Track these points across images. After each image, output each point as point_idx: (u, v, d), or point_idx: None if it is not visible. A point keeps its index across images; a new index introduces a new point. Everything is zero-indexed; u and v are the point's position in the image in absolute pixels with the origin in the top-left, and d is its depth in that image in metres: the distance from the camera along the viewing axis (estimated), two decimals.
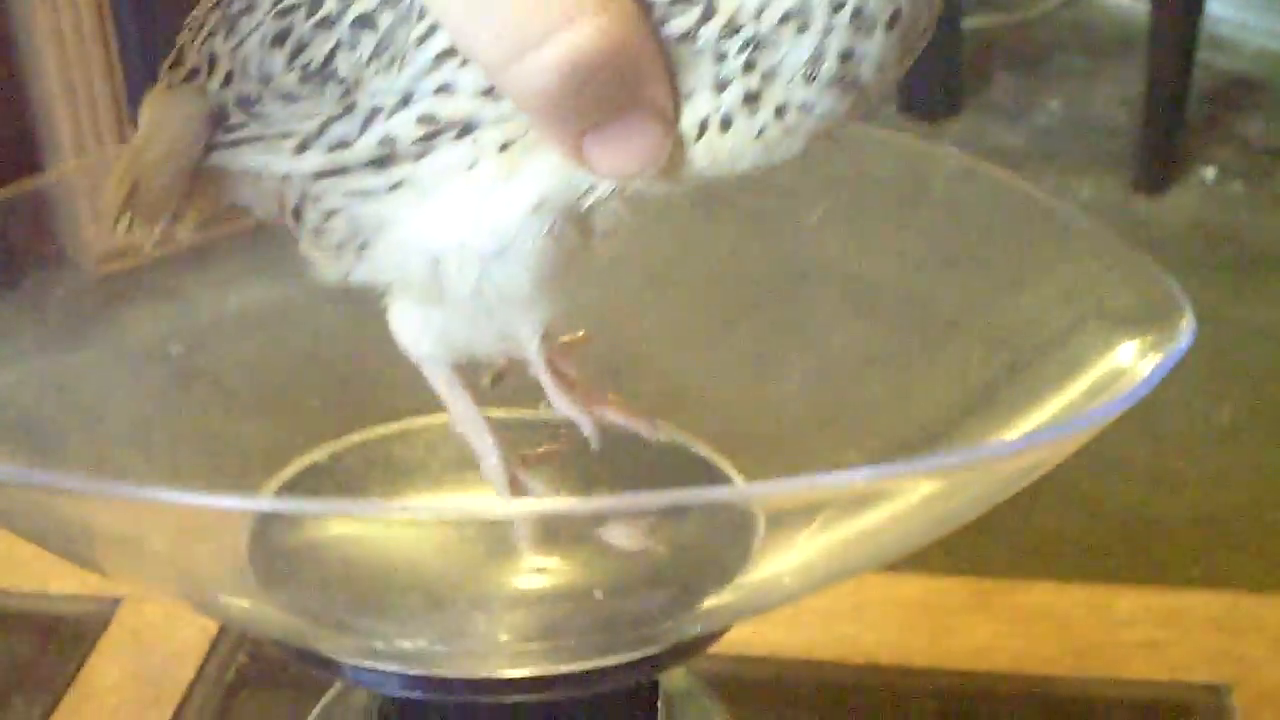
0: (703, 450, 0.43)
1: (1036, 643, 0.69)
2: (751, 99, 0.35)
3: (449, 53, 0.35)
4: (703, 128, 0.36)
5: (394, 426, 0.44)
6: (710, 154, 0.36)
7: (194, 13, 0.41)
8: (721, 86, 0.35)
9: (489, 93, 0.35)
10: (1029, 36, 2.87)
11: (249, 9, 0.38)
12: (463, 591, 0.38)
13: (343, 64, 0.36)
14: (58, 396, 0.53)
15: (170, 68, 0.41)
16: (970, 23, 2.73)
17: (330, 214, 0.37)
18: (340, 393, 0.52)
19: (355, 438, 0.44)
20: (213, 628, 0.70)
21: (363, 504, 0.39)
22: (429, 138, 0.35)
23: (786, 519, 0.36)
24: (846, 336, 0.53)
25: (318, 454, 0.45)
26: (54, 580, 0.73)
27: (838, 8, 0.34)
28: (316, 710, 0.42)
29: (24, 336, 0.52)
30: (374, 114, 0.36)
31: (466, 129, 0.35)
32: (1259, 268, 2.11)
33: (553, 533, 0.38)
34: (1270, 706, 0.65)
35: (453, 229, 0.36)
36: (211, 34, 0.39)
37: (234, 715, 0.67)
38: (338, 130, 0.36)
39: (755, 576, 0.37)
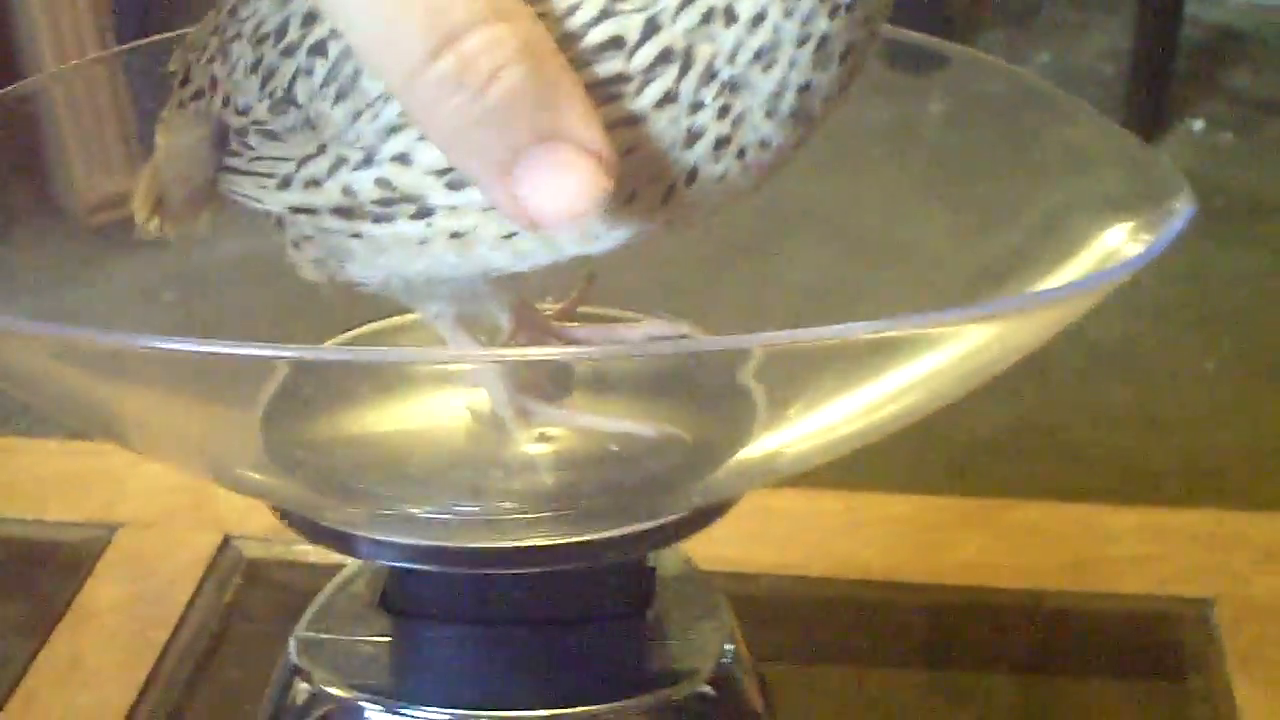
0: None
1: (1026, 557, 0.69)
2: (721, 144, 0.34)
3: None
4: (670, 191, 0.35)
5: (403, 319, 0.44)
6: (672, 211, 0.35)
7: (196, 30, 0.42)
8: (693, 139, 0.34)
9: (444, 173, 0.34)
10: None
11: (238, 36, 0.38)
12: (470, 456, 0.39)
13: (301, 91, 0.36)
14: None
15: (180, 85, 0.42)
16: None
17: (308, 238, 0.38)
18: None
19: (367, 327, 0.45)
20: (210, 552, 0.71)
21: (379, 352, 0.40)
22: (386, 203, 0.35)
23: (785, 379, 0.37)
24: (832, 278, 0.54)
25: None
26: (52, 507, 0.74)
27: (802, 41, 0.33)
28: (320, 598, 0.43)
29: (16, 285, 0.52)
30: (340, 162, 0.36)
31: (421, 212, 0.35)
32: (1248, 216, 2.11)
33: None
34: (1251, 619, 0.66)
35: (414, 270, 0.37)
36: (211, 58, 0.40)
37: (231, 635, 0.68)
38: (310, 169, 0.37)
39: (759, 442, 0.38)
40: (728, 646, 0.42)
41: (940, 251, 0.50)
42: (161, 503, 0.73)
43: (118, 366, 0.36)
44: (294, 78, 0.36)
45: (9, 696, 0.63)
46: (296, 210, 0.37)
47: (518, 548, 0.37)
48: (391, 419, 0.40)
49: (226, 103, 0.39)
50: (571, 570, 0.39)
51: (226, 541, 0.71)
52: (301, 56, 0.36)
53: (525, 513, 0.38)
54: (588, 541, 0.37)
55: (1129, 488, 1.54)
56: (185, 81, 0.42)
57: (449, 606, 0.40)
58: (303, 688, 0.41)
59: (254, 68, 0.38)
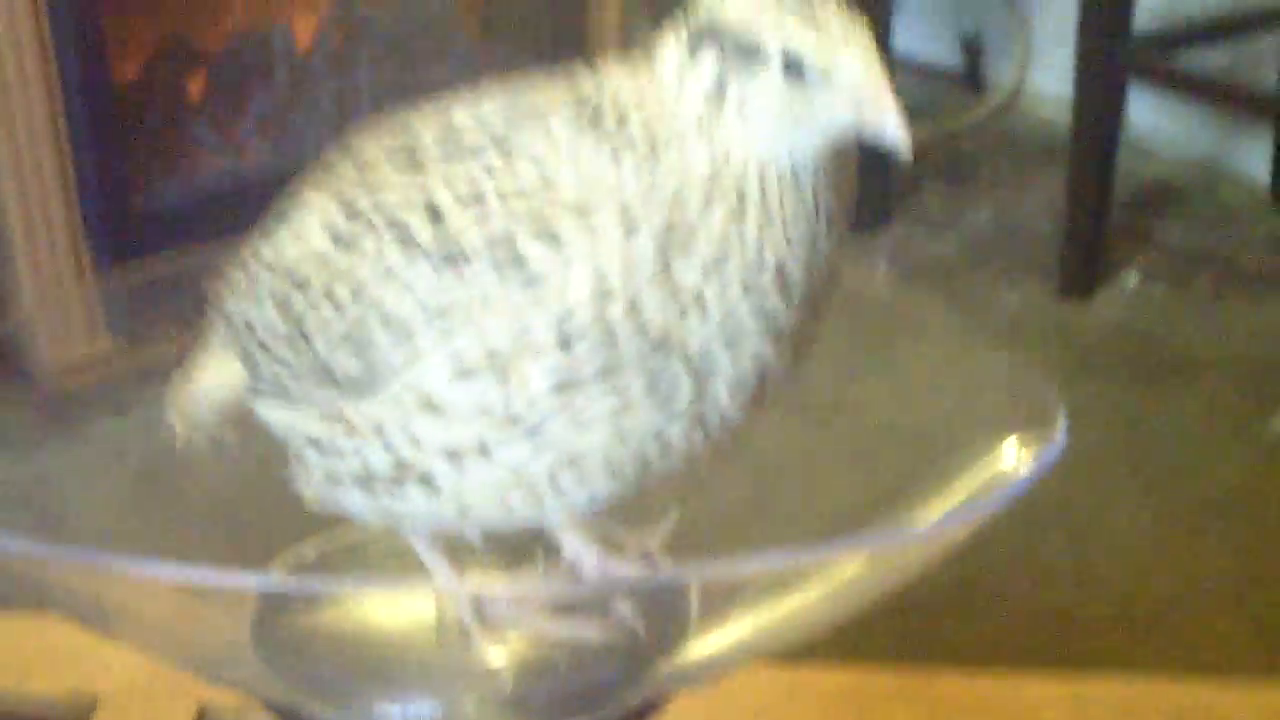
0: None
1: None
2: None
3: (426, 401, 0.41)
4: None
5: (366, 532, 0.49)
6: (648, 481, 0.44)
7: (231, 269, 0.47)
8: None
9: (452, 456, 0.41)
10: (957, 148, 2.96)
11: (266, 280, 0.44)
12: (438, 664, 0.44)
13: (320, 342, 0.42)
14: (22, 506, 0.57)
15: (215, 317, 0.47)
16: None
17: (323, 474, 0.44)
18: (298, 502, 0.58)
19: (342, 536, 0.50)
20: None
21: (352, 580, 0.45)
22: (398, 480, 0.41)
23: (717, 600, 0.42)
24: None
25: (305, 549, 0.50)
26: (36, 678, 0.77)
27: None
28: None
29: None
30: (360, 448, 0.42)
31: (426, 480, 0.42)
32: (1182, 369, 2.18)
33: (513, 620, 0.44)
34: None
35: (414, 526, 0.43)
36: (242, 297, 0.45)
37: None
38: (332, 445, 0.43)
39: (693, 649, 0.43)
40: None
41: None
42: (141, 673, 0.77)
43: (102, 582, 0.41)
44: (314, 329, 0.42)
45: None
46: (320, 450, 0.43)
47: None
48: (369, 621, 0.45)
49: (256, 343, 0.44)
50: None
51: (203, 715, 0.74)
52: (323, 309, 0.42)
53: (485, 715, 0.43)
54: None
55: (1064, 645, 1.58)
56: (219, 314, 0.47)
57: None
58: None
59: (278, 307, 0.43)
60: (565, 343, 0.39)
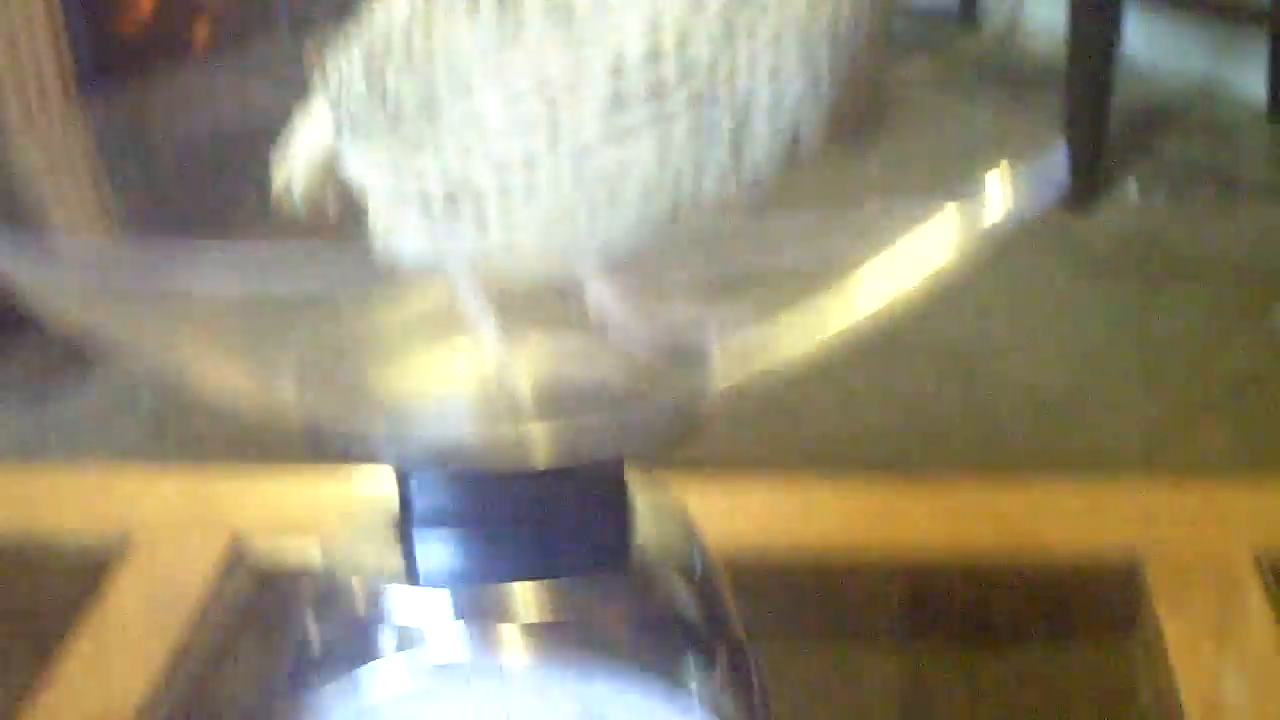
0: None
1: (961, 528, 0.76)
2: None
3: None
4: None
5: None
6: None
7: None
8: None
9: (501, 172, 0.43)
10: (952, 75, 2.97)
11: (359, 39, 0.46)
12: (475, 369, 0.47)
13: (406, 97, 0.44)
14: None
15: (315, 80, 0.50)
16: (894, 67, 2.82)
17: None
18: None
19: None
20: (221, 557, 0.76)
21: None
22: (453, 200, 0.44)
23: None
24: None
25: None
26: (68, 518, 0.79)
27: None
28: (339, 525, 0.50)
29: None
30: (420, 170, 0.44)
31: (478, 201, 0.44)
32: (1182, 272, 2.20)
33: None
34: (1177, 575, 0.72)
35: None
36: (338, 58, 0.48)
37: (244, 632, 0.73)
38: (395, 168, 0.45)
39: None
40: (695, 547, 0.49)
41: None
42: (173, 511, 0.79)
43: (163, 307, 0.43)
44: (400, 83, 0.44)
45: (23, 698, 0.67)
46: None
47: (515, 444, 0.44)
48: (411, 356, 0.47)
49: (346, 97, 0.47)
50: (560, 473, 0.45)
51: (236, 543, 0.76)
52: (413, 65, 0.44)
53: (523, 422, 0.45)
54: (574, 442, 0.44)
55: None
56: (318, 79, 0.50)
57: (453, 511, 0.47)
58: (328, 581, 0.48)
59: (366, 69, 0.46)
60: (616, 70, 0.41)
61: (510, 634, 0.46)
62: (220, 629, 0.71)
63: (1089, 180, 2.44)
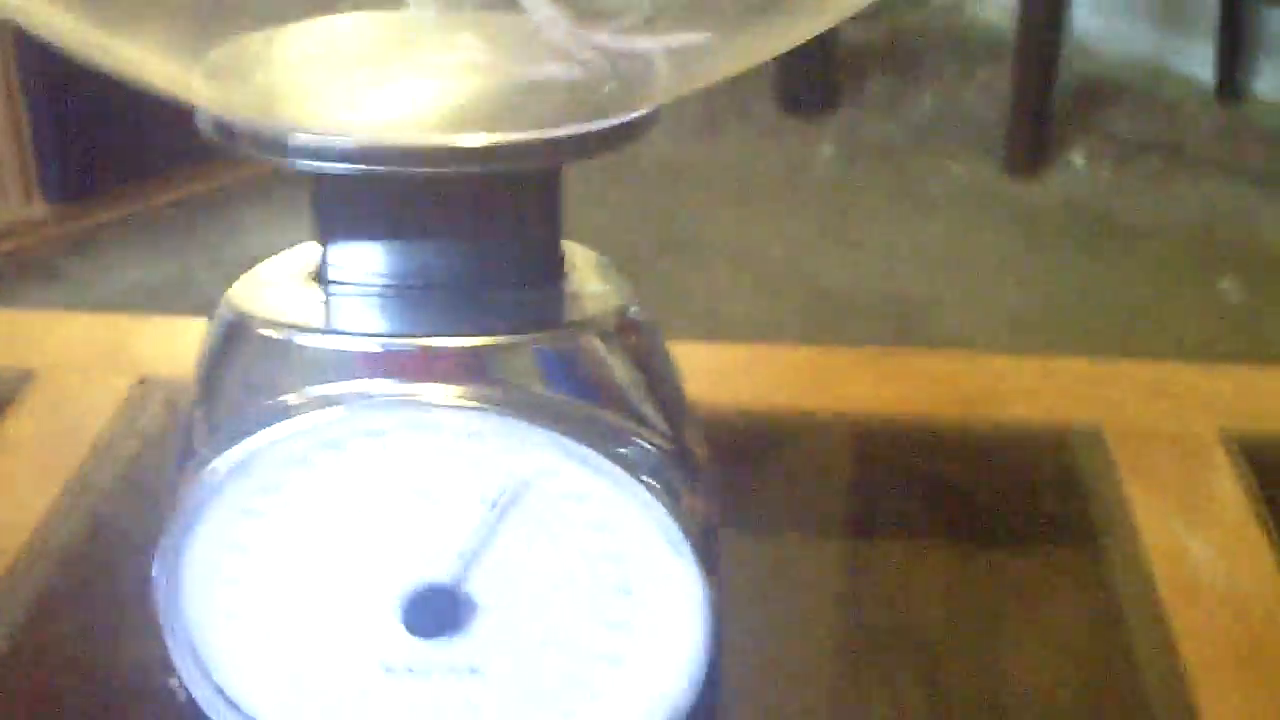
0: None
1: (921, 394, 0.72)
2: None
3: None
4: None
5: None
6: None
7: None
8: None
9: None
10: (901, 43, 2.95)
11: None
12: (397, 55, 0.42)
13: None
14: None
15: None
16: (844, 36, 2.80)
17: None
18: None
19: None
20: (128, 391, 0.72)
21: None
22: None
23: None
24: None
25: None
26: None
27: None
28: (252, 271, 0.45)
29: None
30: None
31: None
32: (1127, 241, 2.18)
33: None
34: (1137, 439, 0.69)
35: None
36: None
37: (148, 455, 0.68)
38: None
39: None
40: (632, 306, 0.44)
41: None
42: (78, 349, 0.75)
43: None
44: None
45: None
46: None
47: (444, 148, 0.40)
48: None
49: None
50: (490, 182, 0.41)
51: (144, 382, 0.72)
52: None
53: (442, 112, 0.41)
54: (509, 143, 0.40)
55: None
56: None
57: (373, 224, 0.43)
58: (234, 327, 0.43)
59: None
60: None
61: (432, 394, 0.41)
62: (126, 460, 0.66)
63: (1035, 149, 2.43)
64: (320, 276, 0.44)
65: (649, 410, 0.44)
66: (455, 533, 0.43)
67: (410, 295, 0.43)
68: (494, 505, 0.43)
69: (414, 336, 0.42)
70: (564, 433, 0.42)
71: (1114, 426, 0.70)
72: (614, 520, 0.43)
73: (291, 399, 0.42)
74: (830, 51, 2.72)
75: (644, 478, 0.42)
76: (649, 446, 0.43)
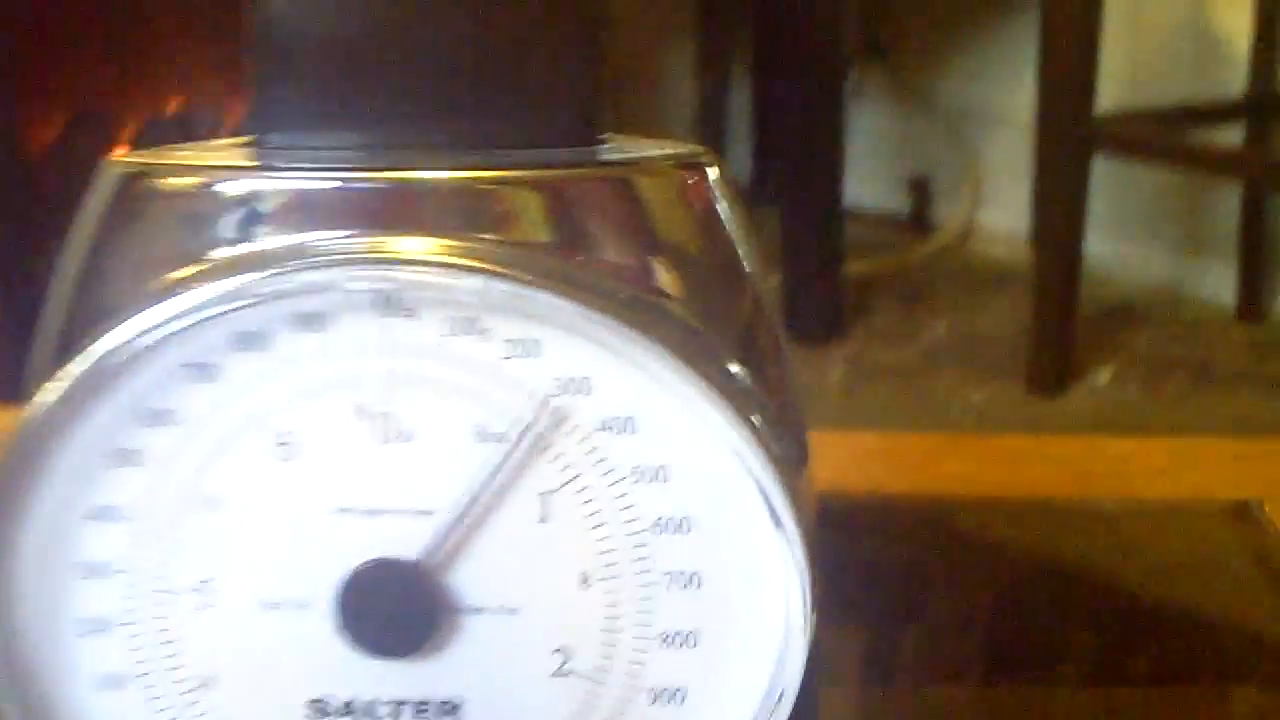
0: None
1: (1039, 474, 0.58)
2: None
3: None
4: None
5: None
6: None
7: None
8: None
9: None
10: (909, 275, 2.87)
11: None
12: None
13: None
14: None
15: None
16: (850, 268, 2.71)
17: None
18: None
19: None
20: None
21: None
22: None
23: None
24: None
25: None
26: None
27: None
28: None
29: None
30: None
31: None
32: None
33: None
34: None
35: None
36: None
37: None
38: None
39: None
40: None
41: None
42: None
43: None
44: None
45: None
46: None
47: None
48: None
49: None
50: None
51: None
52: None
53: None
54: None
55: None
56: None
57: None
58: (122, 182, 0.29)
59: None
60: None
61: (402, 250, 0.27)
62: None
63: (1058, 370, 2.31)
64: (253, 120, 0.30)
65: (733, 307, 0.29)
66: (431, 487, 0.28)
67: (376, 108, 0.29)
68: (495, 441, 0.28)
69: (380, 170, 0.28)
70: (614, 321, 0.27)
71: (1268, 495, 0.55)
72: (686, 468, 0.28)
73: (178, 272, 0.28)
74: (836, 281, 2.63)
75: (734, 401, 0.28)
76: (736, 362, 0.29)
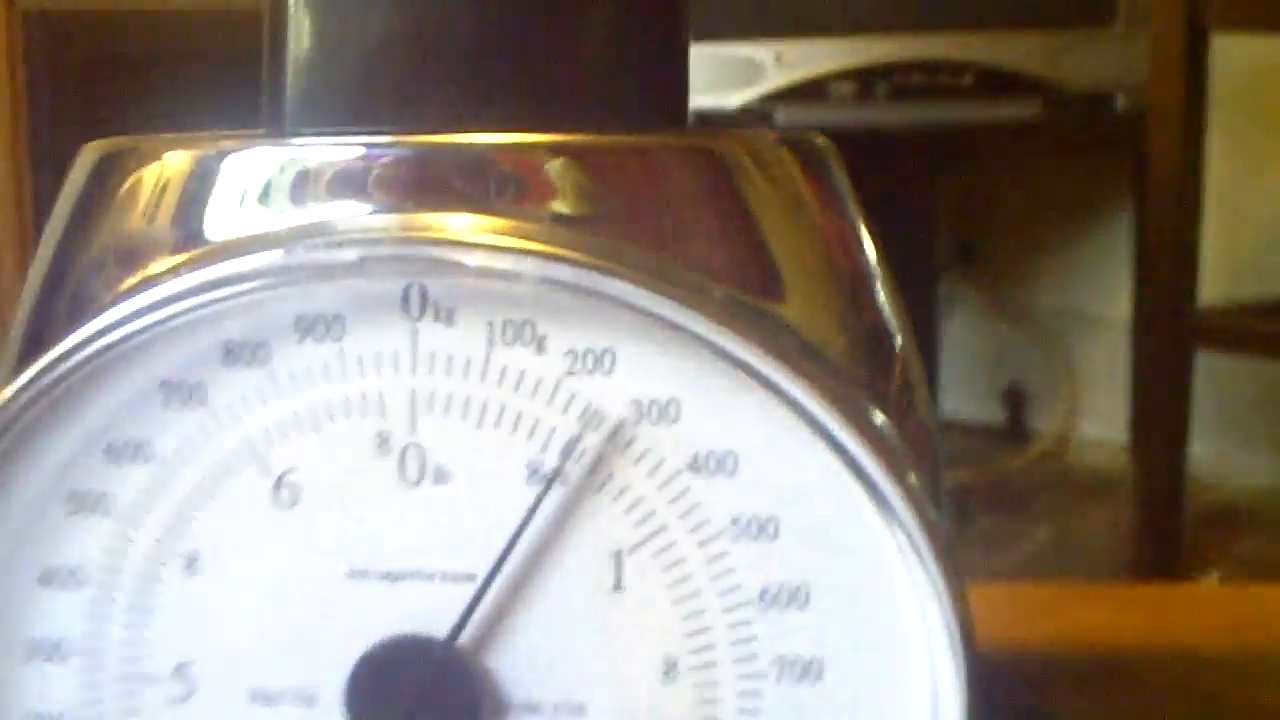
0: None
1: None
2: None
3: None
4: None
5: None
6: None
7: None
8: None
9: None
10: (1008, 486, 2.79)
11: None
12: None
13: None
14: None
15: None
16: (946, 479, 2.63)
17: None
18: None
19: None
20: None
21: None
22: None
23: None
24: None
25: None
26: None
27: None
28: None
29: None
30: None
31: None
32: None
33: None
34: None
35: None
36: None
37: None
38: None
39: None
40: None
41: None
42: None
43: None
44: None
45: None
46: None
47: None
48: None
49: None
50: None
51: None
52: None
53: None
54: None
55: None
56: None
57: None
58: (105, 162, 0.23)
59: None
60: None
61: (455, 224, 0.21)
62: None
63: (1165, 576, 2.21)
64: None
65: (863, 322, 0.23)
66: (471, 543, 0.22)
67: (415, 66, 0.23)
68: (552, 483, 0.22)
69: (415, 133, 0.22)
70: (713, 326, 0.21)
71: None
72: (803, 521, 0.22)
73: (157, 264, 0.22)
74: (935, 496, 2.55)
75: (860, 426, 0.21)
76: (856, 373, 0.22)
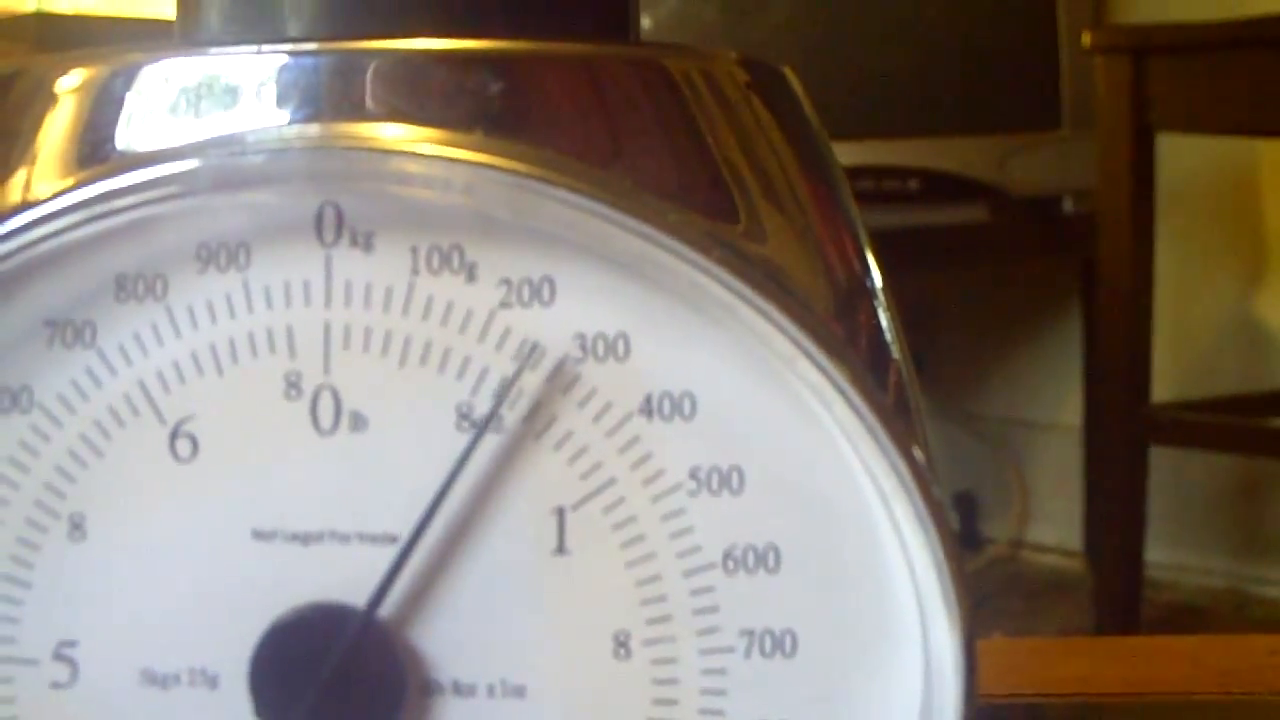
0: None
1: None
2: None
3: None
4: None
5: None
6: None
7: None
8: None
9: None
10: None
11: None
12: None
13: None
14: None
15: None
16: None
17: None
18: None
19: None
20: None
21: None
22: None
23: None
24: None
25: None
26: None
27: None
28: None
29: None
30: None
31: None
32: None
33: None
34: None
35: None
36: None
37: None
38: None
39: None
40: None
41: None
42: None
43: None
44: None
45: None
46: None
47: None
48: None
49: None
50: None
51: None
52: None
53: None
54: None
55: None
56: None
57: None
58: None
59: None
60: None
61: (379, 134, 0.19)
62: None
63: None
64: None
65: (824, 239, 0.21)
66: (393, 498, 0.19)
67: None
68: (485, 430, 0.19)
69: (337, 40, 0.20)
70: (665, 249, 0.19)
71: None
72: (771, 470, 0.19)
73: (40, 186, 0.19)
74: None
75: (837, 360, 0.19)
76: (827, 308, 0.20)
